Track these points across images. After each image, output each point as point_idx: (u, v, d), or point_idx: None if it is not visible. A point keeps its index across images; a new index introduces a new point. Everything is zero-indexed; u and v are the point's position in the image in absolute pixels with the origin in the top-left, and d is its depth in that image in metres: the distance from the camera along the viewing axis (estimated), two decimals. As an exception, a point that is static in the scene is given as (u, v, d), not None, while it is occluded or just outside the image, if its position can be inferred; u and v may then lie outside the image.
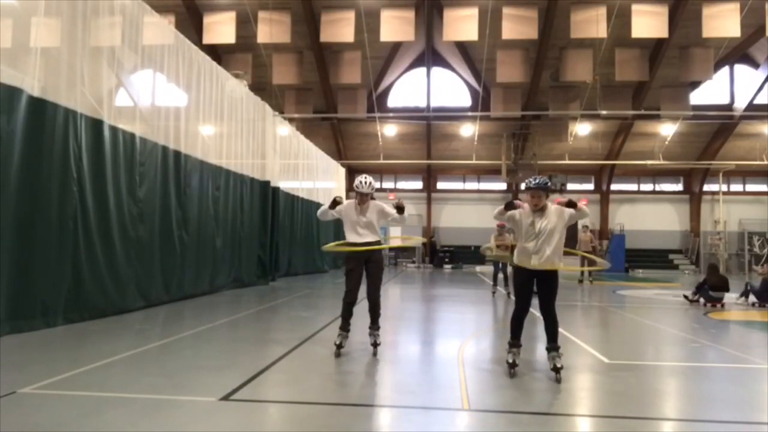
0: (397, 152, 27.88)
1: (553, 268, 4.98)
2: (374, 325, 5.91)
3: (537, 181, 5.13)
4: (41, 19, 7.14)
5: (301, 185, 19.38)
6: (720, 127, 26.42)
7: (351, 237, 5.88)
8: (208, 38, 22.15)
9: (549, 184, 5.19)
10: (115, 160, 8.48)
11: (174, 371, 5.01)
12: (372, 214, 5.86)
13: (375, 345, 5.84)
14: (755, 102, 25.26)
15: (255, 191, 14.59)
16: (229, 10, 22.04)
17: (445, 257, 27.95)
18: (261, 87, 21.72)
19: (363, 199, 5.85)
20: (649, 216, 28.63)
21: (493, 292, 13.16)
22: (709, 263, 13.95)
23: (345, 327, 5.83)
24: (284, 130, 18.04)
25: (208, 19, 22.38)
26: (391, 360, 5.77)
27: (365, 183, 5.80)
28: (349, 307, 5.84)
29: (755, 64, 25.64)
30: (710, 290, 11.15)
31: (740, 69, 26.30)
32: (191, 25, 22.32)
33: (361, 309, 6.02)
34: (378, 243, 5.86)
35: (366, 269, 5.85)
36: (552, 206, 5.11)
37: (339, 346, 5.73)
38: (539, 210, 5.07)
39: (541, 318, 5.12)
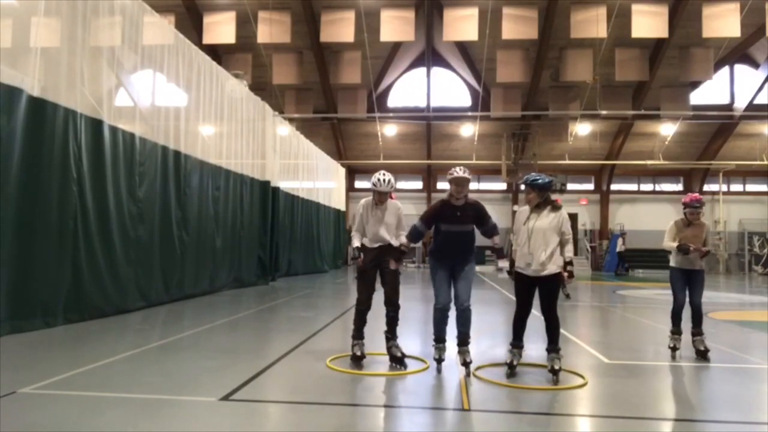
0: (397, 152, 27.87)
1: (551, 274, 4.93)
2: (394, 335, 5.44)
3: (534, 178, 5.10)
4: (41, 19, 7.14)
5: (301, 185, 19.37)
6: (720, 127, 26.41)
7: (367, 240, 5.48)
8: (208, 38, 22.14)
9: (541, 181, 5.04)
10: (115, 160, 8.48)
11: (174, 371, 5.01)
12: (390, 217, 5.47)
13: (402, 357, 5.30)
14: (755, 102, 25.24)
15: (255, 191, 14.59)
16: (229, 10, 22.03)
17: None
18: (261, 87, 21.71)
19: (381, 198, 5.43)
20: (649, 216, 28.60)
21: None
22: None
23: (360, 336, 5.46)
24: (284, 130, 18.04)
25: (208, 19, 22.36)
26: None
27: (384, 181, 5.33)
28: (363, 315, 5.46)
29: (755, 64, 25.62)
30: None
31: (740, 69, 26.27)
32: (191, 25, 22.30)
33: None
34: (391, 246, 5.41)
35: (382, 273, 5.44)
36: (551, 208, 5.02)
37: (361, 357, 5.34)
38: (536, 208, 5.05)
39: (543, 319, 5.11)
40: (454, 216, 5.10)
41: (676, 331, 6.16)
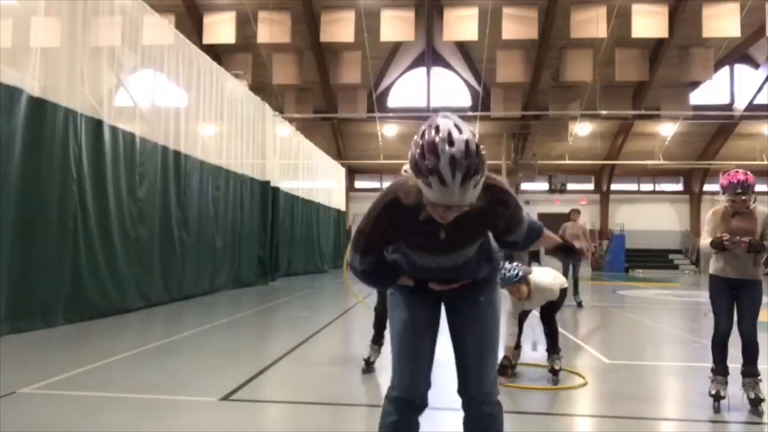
0: (397, 152, 27.75)
1: None
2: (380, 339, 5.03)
3: (513, 275, 4.50)
4: (41, 19, 7.15)
5: (301, 185, 19.38)
6: (720, 127, 26.39)
7: None
8: (208, 38, 22.12)
9: (520, 274, 4.53)
10: (115, 160, 8.48)
11: (174, 371, 5.01)
12: None
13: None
14: (755, 102, 25.22)
15: (255, 191, 14.59)
16: (229, 10, 22.01)
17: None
18: (261, 87, 21.67)
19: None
20: (649, 216, 28.61)
21: None
22: None
23: (378, 340, 5.02)
24: (284, 130, 18.04)
25: (208, 19, 22.36)
26: (391, 361, 5.51)
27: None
28: (383, 318, 4.87)
29: (755, 64, 25.61)
30: None
31: (740, 69, 26.25)
32: (191, 25, 22.28)
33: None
34: None
35: None
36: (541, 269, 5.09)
37: (371, 362, 5.01)
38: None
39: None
40: (429, 233, 2.14)
41: (718, 370, 4.15)
